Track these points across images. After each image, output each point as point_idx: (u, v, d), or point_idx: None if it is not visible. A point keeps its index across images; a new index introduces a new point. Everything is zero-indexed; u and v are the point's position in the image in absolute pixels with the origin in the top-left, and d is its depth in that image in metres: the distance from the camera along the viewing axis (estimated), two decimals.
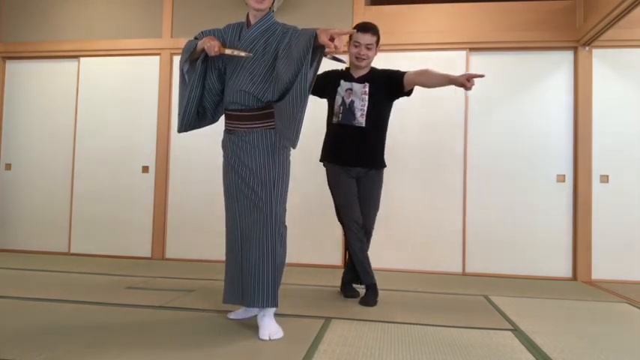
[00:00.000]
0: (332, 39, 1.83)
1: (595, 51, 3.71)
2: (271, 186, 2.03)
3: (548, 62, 3.81)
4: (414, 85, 2.67)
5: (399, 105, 3.84)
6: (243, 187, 2.05)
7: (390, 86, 2.69)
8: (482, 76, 2.39)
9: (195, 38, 2.16)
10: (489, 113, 3.85)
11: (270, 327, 1.96)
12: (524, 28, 3.80)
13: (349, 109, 2.67)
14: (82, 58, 4.33)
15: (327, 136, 2.82)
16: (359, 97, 2.67)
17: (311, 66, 1.93)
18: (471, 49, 3.86)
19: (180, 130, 2.22)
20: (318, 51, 1.93)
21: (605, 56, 3.72)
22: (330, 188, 2.76)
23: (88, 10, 4.36)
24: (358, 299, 2.70)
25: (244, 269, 2.02)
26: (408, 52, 3.90)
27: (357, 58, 2.68)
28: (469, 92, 3.83)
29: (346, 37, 3.16)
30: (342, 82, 2.71)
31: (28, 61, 4.46)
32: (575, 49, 3.76)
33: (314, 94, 2.74)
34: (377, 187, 2.76)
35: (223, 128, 2.19)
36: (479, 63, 3.87)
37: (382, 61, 3.89)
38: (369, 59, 2.71)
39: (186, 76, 2.15)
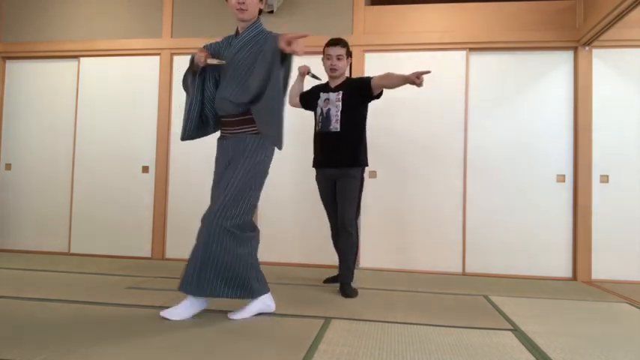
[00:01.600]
0: (289, 43, 2.00)
1: (595, 51, 3.71)
2: (237, 183, 2.18)
3: (548, 62, 3.80)
4: (381, 87, 2.92)
5: (400, 105, 3.86)
6: (218, 180, 2.29)
7: (360, 91, 2.94)
8: (428, 72, 2.65)
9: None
10: (489, 113, 3.85)
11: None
12: (524, 28, 3.80)
13: (326, 117, 2.96)
14: (82, 58, 4.33)
15: (313, 145, 3.09)
16: (334, 104, 2.95)
17: (282, 66, 2.12)
18: (471, 49, 3.86)
19: (183, 139, 2.38)
20: (286, 55, 2.11)
21: (605, 56, 3.72)
22: (319, 190, 3.10)
23: (88, 10, 4.36)
24: (356, 298, 2.73)
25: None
26: (408, 52, 3.90)
27: (330, 69, 2.99)
28: (470, 92, 3.85)
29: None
30: (321, 94, 3.03)
31: (28, 61, 4.46)
32: (575, 49, 3.75)
33: (303, 107, 3.17)
34: (349, 183, 2.92)
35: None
36: (479, 63, 3.88)
37: (382, 61, 3.91)
38: (340, 70, 3.00)
39: (189, 87, 2.32)
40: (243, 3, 2.18)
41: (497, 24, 3.84)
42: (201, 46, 2.39)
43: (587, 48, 3.69)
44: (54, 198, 4.35)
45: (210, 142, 4.08)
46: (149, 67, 4.23)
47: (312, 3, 4.02)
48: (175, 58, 4.18)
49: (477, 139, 3.84)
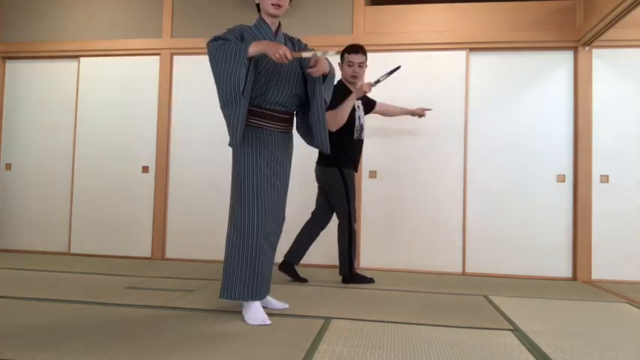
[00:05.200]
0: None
1: (595, 51, 3.71)
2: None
3: (548, 62, 3.80)
4: (380, 114, 3.52)
5: (399, 106, 3.85)
6: (276, 181, 2.21)
7: (366, 109, 3.31)
8: (430, 109, 3.27)
9: (222, 38, 2.10)
10: (489, 113, 3.85)
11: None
12: (524, 28, 3.80)
13: (361, 126, 3.16)
14: (82, 58, 4.33)
15: (348, 149, 3.10)
16: (362, 113, 3.19)
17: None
18: (471, 49, 3.86)
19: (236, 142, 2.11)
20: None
21: (605, 56, 3.72)
22: (347, 189, 3.09)
23: (88, 10, 4.36)
24: (356, 298, 2.72)
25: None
26: (408, 52, 3.91)
27: (352, 76, 3.06)
28: (470, 92, 3.85)
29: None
30: (355, 103, 3.09)
31: (28, 61, 4.46)
32: (575, 49, 3.75)
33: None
34: None
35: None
36: (479, 63, 3.88)
37: (382, 61, 3.91)
38: (362, 78, 3.13)
39: (240, 85, 2.04)
40: None
41: (497, 24, 3.84)
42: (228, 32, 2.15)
43: (587, 48, 3.69)
44: (54, 198, 4.35)
45: (209, 142, 4.11)
46: (149, 67, 4.22)
47: (312, 3, 4.02)
48: (175, 58, 4.18)
49: (476, 139, 3.84)
